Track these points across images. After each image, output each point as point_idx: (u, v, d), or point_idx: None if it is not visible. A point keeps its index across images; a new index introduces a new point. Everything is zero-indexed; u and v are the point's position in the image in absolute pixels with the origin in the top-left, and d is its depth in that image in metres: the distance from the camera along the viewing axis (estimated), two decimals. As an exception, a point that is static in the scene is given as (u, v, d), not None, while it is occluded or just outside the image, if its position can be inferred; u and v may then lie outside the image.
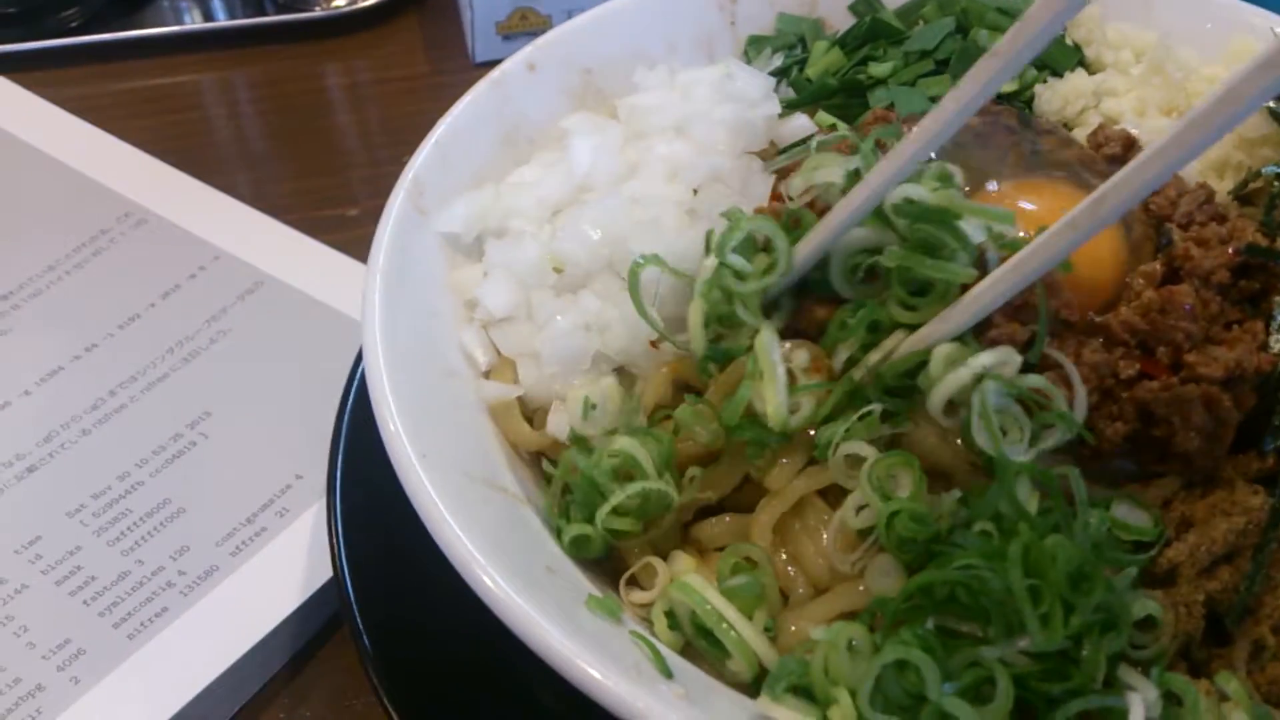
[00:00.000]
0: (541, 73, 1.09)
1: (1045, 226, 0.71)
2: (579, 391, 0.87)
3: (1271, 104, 0.96)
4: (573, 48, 1.12)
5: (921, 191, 0.78)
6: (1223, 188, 0.96)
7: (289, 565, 1.04)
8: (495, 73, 1.07)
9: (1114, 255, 0.84)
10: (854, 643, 0.70)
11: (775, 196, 0.98)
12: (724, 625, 0.74)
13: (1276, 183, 0.91)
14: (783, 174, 1.00)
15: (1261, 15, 1.10)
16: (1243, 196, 0.95)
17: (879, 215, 0.79)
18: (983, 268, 0.77)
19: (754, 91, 1.03)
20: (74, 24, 1.64)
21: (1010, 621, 0.69)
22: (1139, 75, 1.04)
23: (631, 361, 0.90)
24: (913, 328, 0.78)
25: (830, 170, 0.83)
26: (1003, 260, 0.76)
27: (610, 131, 1.01)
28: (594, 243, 0.92)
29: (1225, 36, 1.10)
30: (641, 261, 0.86)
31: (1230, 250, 0.83)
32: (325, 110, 1.62)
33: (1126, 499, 0.78)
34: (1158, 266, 0.83)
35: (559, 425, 0.89)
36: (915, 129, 0.76)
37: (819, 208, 0.84)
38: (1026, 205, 0.86)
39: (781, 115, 1.05)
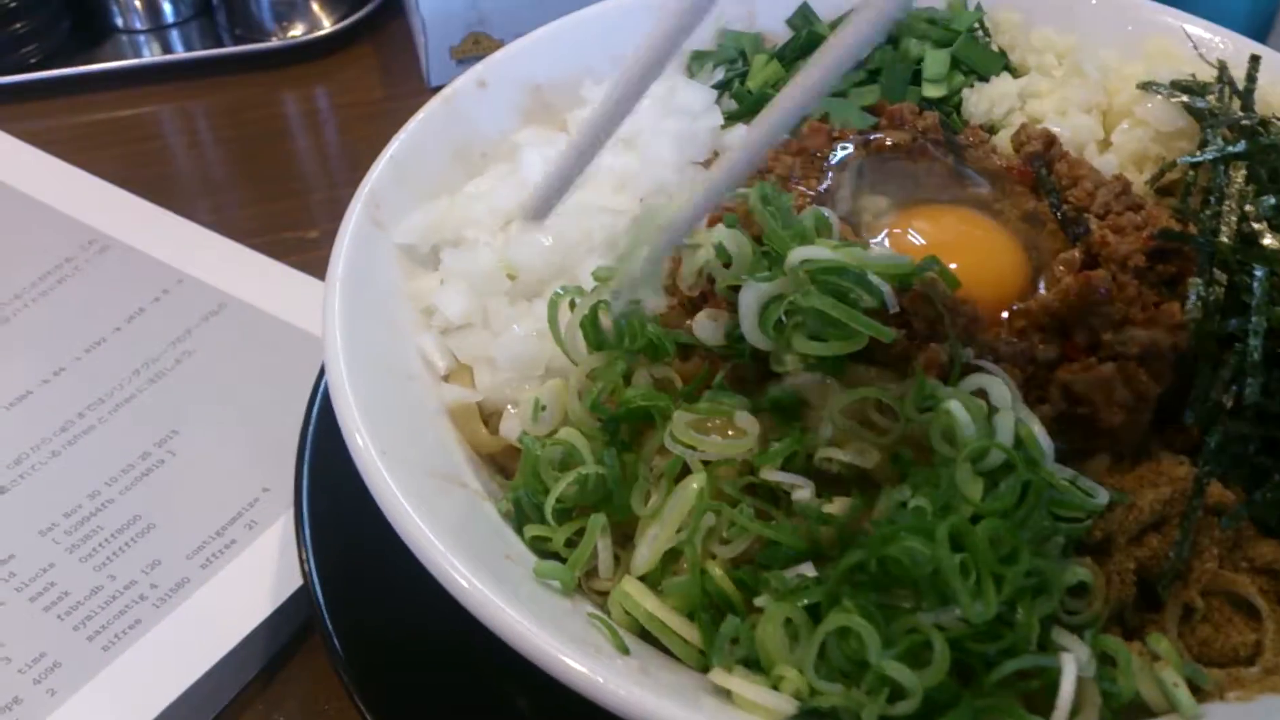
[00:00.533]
0: (492, 89, 1.13)
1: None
2: (530, 395, 0.90)
3: (1185, 98, 1.02)
4: (522, 65, 1.16)
5: (820, 252, 0.80)
6: (1141, 179, 1.01)
7: (259, 575, 1.06)
8: (447, 90, 1.11)
9: (1013, 261, 0.89)
10: (793, 619, 0.73)
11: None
12: (665, 630, 0.77)
13: (1190, 172, 0.96)
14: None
15: (1174, 14, 1.16)
16: (1162, 188, 1.00)
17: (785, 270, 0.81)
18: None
19: (696, 104, 1.08)
20: (34, 60, 1.67)
21: (943, 593, 0.72)
22: (1061, 76, 1.09)
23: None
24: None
25: (707, 249, 0.86)
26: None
27: (560, 143, 1.05)
28: (545, 250, 0.96)
29: (1142, 36, 1.16)
30: (561, 293, 0.89)
31: (1145, 235, 0.88)
32: (284, 136, 1.65)
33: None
34: (1076, 254, 0.87)
35: (512, 430, 0.92)
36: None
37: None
38: (932, 228, 0.91)
39: (723, 126, 1.10)
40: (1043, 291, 0.87)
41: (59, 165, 1.49)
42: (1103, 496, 0.80)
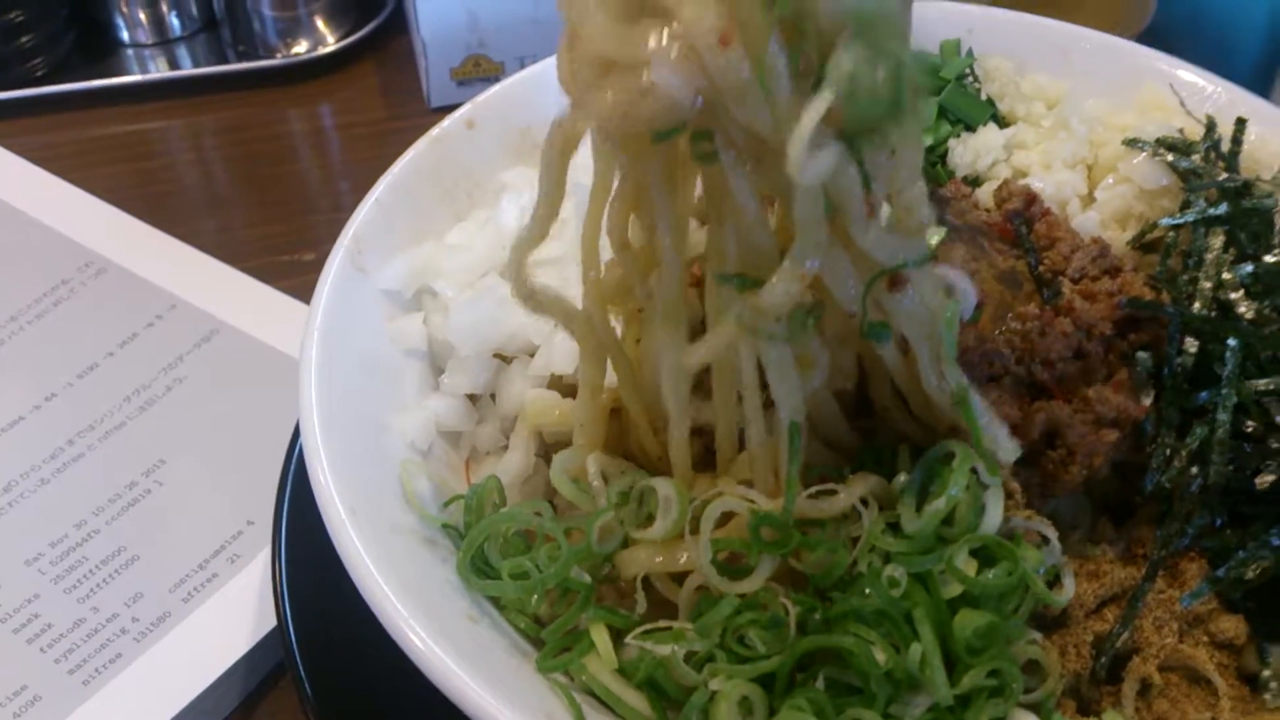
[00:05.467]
0: (480, 129, 1.13)
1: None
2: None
3: (1170, 156, 1.01)
4: (510, 105, 1.16)
5: None
6: (1124, 237, 1.01)
7: (239, 611, 1.08)
8: (435, 130, 1.12)
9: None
10: (749, 697, 0.74)
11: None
12: (621, 704, 0.77)
13: (1171, 233, 0.96)
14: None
15: (1167, 61, 1.15)
16: (1146, 245, 1.00)
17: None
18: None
19: (680, 149, 1.08)
20: (39, 74, 1.68)
21: (898, 681, 0.73)
22: (1048, 128, 1.08)
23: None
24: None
25: None
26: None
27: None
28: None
29: (1137, 83, 1.15)
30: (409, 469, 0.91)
31: (1114, 303, 0.88)
32: (285, 156, 1.66)
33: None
34: (1034, 309, 0.87)
35: None
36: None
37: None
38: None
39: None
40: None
41: (60, 185, 1.51)
42: (1069, 589, 0.80)
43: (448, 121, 1.12)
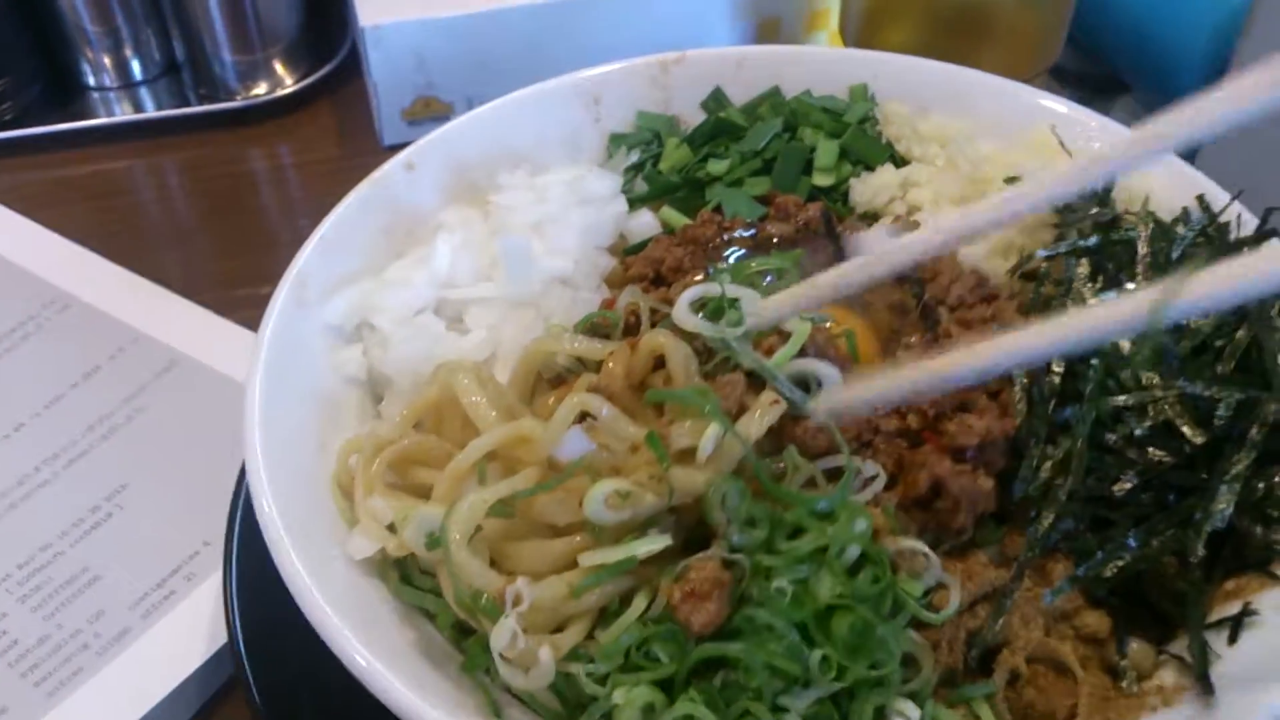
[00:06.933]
0: (419, 172, 1.21)
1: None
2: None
3: (1047, 193, 1.10)
4: (449, 147, 1.24)
5: None
6: (1006, 266, 1.09)
7: (194, 626, 1.15)
8: (377, 173, 1.20)
9: (868, 345, 0.98)
10: (654, 704, 0.81)
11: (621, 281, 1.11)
12: (536, 702, 0.85)
13: (1044, 264, 1.05)
14: (628, 263, 1.13)
15: (1051, 99, 1.24)
16: (1027, 274, 1.09)
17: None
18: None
19: (603, 191, 1.17)
20: (7, 118, 1.76)
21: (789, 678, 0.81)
22: (940, 166, 1.18)
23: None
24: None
25: None
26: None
27: (474, 228, 1.14)
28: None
29: (1029, 123, 1.24)
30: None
31: (989, 330, 0.96)
32: (244, 193, 1.74)
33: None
34: (919, 341, 0.96)
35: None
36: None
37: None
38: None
39: (630, 211, 1.18)
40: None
41: (27, 225, 1.58)
42: (953, 603, 0.88)
43: (389, 165, 1.20)
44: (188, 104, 1.82)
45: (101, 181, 1.73)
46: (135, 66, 1.83)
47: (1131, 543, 0.91)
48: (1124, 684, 0.90)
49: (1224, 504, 0.90)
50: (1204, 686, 0.85)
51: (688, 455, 0.86)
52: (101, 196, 1.71)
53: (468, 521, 0.83)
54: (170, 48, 1.84)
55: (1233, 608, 0.90)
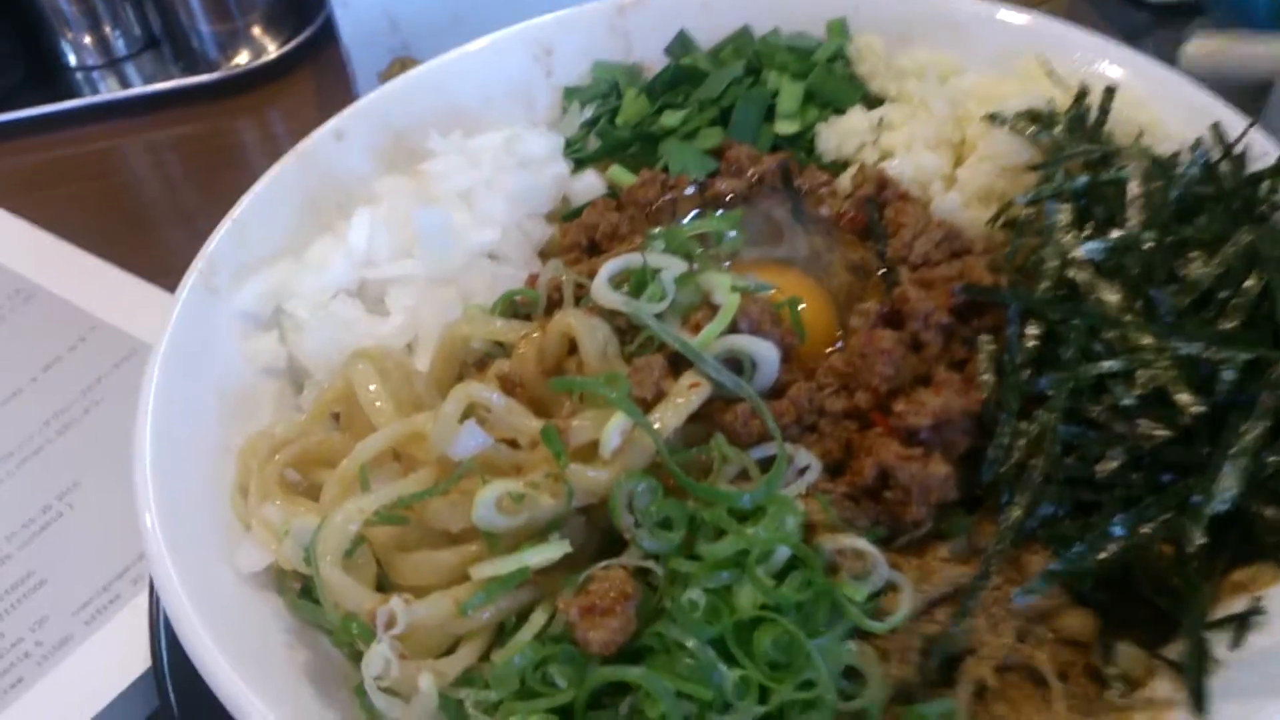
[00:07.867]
0: (349, 140, 1.13)
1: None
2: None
3: (1032, 127, 0.97)
4: (384, 112, 1.15)
5: None
6: (986, 215, 0.97)
7: (137, 633, 1.09)
8: (303, 144, 1.11)
9: (826, 324, 0.86)
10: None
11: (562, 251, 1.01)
12: None
13: (1025, 211, 0.92)
14: (564, 230, 1.03)
15: (1058, 24, 1.10)
16: (1009, 223, 0.96)
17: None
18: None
19: (541, 151, 1.06)
20: (-9, 102, 1.71)
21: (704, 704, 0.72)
22: (916, 104, 1.04)
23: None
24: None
25: None
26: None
27: (400, 201, 1.04)
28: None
29: (1025, 52, 1.10)
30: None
31: (949, 291, 0.84)
32: (226, 167, 1.67)
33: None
34: (874, 306, 0.84)
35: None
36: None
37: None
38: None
39: (576, 172, 1.08)
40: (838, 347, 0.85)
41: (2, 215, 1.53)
42: (905, 605, 0.77)
43: (316, 134, 1.12)
44: (170, 79, 1.75)
45: (77, 165, 1.69)
46: (117, 43, 1.78)
47: (1118, 530, 0.79)
48: (1111, 694, 0.78)
49: (1229, 483, 0.77)
50: (1196, 702, 0.73)
51: (592, 450, 0.77)
52: (74, 180, 1.66)
53: (341, 535, 0.75)
54: (148, 22, 1.77)
55: (1241, 603, 0.78)
